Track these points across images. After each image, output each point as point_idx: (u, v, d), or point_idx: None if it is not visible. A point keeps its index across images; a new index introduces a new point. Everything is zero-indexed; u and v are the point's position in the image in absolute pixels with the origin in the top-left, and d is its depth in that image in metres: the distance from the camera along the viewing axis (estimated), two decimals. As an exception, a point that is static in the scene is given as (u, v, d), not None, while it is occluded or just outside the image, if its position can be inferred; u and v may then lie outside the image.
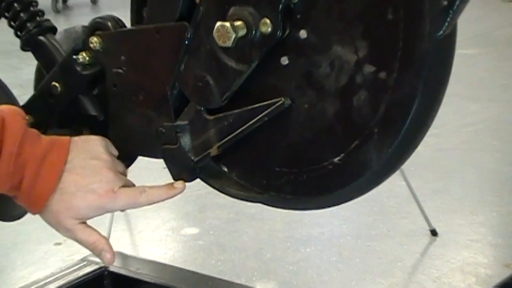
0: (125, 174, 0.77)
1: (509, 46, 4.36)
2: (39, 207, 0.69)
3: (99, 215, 0.71)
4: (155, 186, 0.73)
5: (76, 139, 0.73)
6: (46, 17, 0.87)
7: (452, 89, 0.63)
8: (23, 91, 0.91)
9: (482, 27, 4.54)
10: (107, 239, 0.73)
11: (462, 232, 2.16)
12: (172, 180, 0.77)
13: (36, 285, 1.07)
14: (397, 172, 0.67)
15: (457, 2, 0.55)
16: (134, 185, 0.75)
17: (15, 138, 0.67)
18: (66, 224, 0.71)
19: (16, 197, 0.70)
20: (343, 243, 2.13)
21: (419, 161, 2.51)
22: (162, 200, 0.74)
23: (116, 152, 0.77)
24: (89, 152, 0.72)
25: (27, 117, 0.72)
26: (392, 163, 0.64)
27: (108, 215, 1.94)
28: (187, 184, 0.77)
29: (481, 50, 4.25)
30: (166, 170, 0.77)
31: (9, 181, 0.67)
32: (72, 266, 1.11)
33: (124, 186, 0.72)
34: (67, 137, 0.72)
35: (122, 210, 0.76)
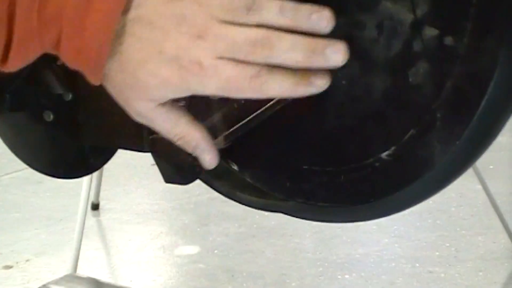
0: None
1: None
2: (94, 77, 0.62)
3: (183, 96, 0.63)
4: (279, 70, 0.60)
5: None
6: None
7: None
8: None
9: None
10: (203, 131, 0.66)
11: (560, 255, 2.15)
12: (162, 181, 0.78)
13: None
14: (471, 172, 0.67)
15: None
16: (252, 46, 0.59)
17: None
18: (136, 107, 0.64)
19: (63, 59, 0.62)
20: (395, 268, 2.13)
21: (502, 156, 2.50)
22: (283, 98, 0.63)
23: None
24: None
25: None
26: (461, 159, 0.64)
27: (76, 227, 1.96)
28: (184, 187, 0.78)
29: None
30: (155, 167, 0.78)
31: (37, 40, 0.60)
32: (28, 297, 1.12)
33: (228, 54, 0.59)
34: None
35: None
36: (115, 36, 0.59)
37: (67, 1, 0.59)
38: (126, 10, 0.59)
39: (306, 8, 0.59)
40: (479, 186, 2.08)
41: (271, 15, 0.59)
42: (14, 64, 0.61)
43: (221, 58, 0.59)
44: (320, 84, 0.60)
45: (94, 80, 0.62)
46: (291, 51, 0.59)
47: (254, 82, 0.60)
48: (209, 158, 0.67)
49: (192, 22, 0.59)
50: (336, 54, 0.59)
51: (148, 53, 0.60)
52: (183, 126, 0.65)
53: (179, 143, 0.66)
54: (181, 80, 0.60)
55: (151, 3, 0.59)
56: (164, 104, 0.64)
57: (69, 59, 0.61)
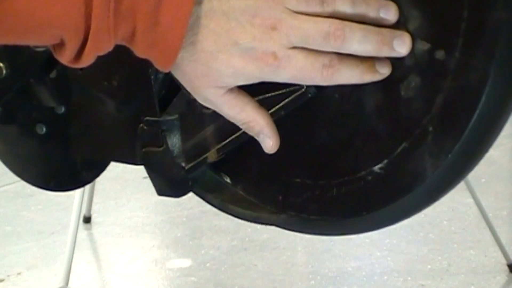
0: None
1: None
2: (165, 65, 0.63)
3: (254, 83, 0.64)
4: (348, 59, 0.62)
5: None
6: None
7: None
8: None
9: None
10: (268, 116, 0.67)
11: (552, 269, 2.16)
12: (155, 194, 0.78)
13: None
14: (463, 186, 0.67)
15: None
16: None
17: None
18: (204, 94, 0.65)
19: (133, 50, 0.63)
20: (387, 281, 2.13)
21: (493, 170, 2.50)
22: (351, 83, 0.64)
23: None
24: None
25: None
26: (452, 173, 0.64)
27: (68, 241, 1.95)
28: (176, 200, 0.78)
29: None
30: (147, 180, 0.78)
31: (112, 35, 0.61)
32: (20, 311, 1.12)
33: (301, 44, 0.61)
34: None
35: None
36: (189, 28, 0.61)
37: None
38: (199, 2, 0.61)
39: (375, 1, 0.62)
40: (471, 200, 2.08)
41: (344, 7, 0.61)
42: (87, 60, 0.62)
43: (294, 48, 0.61)
44: (384, 72, 0.63)
45: (163, 69, 0.64)
46: (363, 42, 0.61)
47: (326, 71, 0.62)
48: (272, 144, 0.67)
49: (266, 13, 0.61)
50: (402, 46, 0.62)
51: (223, 44, 0.61)
52: (248, 112, 0.66)
53: (243, 127, 0.67)
54: (256, 70, 0.62)
55: None
56: (232, 90, 0.65)
57: (141, 51, 0.63)
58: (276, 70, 0.62)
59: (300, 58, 0.62)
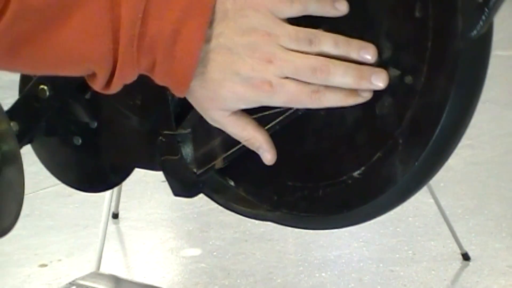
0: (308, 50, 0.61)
1: (552, 46, 4.35)
2: (180, 92, 0.63)
3: (253, 107, 0.63)
4: (333, 88, 0.61)
5: (226, 1, 0.61)
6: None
7: (487, 95, 0.64)
8: (5, 94, 0.92)
9: (522, 25, 4.53)
10: (266, 134, 0.66)
11: (499, 257, 2.15)
12: (171, 195, 0.77)
13: (18, 312, 1.07)
14: (425, 188, 0.67)
15: (493, -1, 0.56)
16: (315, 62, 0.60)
17: (135, 14, 0.58)
18: (212, 115, 0.64)
19: (153, 79, 0.63)
20: (363, 267, 2.12)
21: (450, 175, 2.50)
22: (336, 106, 0.62)
23: (296, 10, 0.62)
24: (242, 24, 0.60)
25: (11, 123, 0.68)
26: (419, 177, 0.64)
27: (99, 233, 1.95)
28: (188, 199, 0.77)
29: (520, 51, 4.24)
30: (165, 183, 0.77)
31: (135, 67, 0.61)
32: (59, 291, 1.11)
33: (292, 75, 0.60)
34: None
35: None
36: (199, 61, 0.61)
37: (160, 34, 0.59)
38: (208, 40, 0.60)
39: (356, 43, 0.61)
40: (432, 200, 2.08)
41: (328, 47, 0.61)
42: (115, 87, 0.62)
43: (286, 78, 0.61)
44: (366, 96, 0.61)
45: (179, 95, 0.64)
46: (344, 76, 0.60)
47: (314, 96, 0.61)
48: (269, 157, 0.66)
49: (263, 49, 0.60)
50: (379, 81, 0.60)
51: (227, 74, 0.61)
52: (249, 131, 0.65)
53: (245, 143, 0.66)
54: (254, 95, 0.61)
55: (228, 34, 0.60)
56: (235, 112, 0.64)
57: (160, 79, 0.63)
58: (272, 96, 0.61)
59: (291, 86, 0.61)
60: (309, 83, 0.61)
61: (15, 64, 0.61)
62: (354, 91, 0.61)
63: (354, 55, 0.61)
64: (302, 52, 0.61)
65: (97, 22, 0.58)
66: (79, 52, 0.60)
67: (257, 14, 0.60)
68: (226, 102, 0.63)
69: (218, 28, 0.60)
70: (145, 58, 0.60)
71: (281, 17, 0.61)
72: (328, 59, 0.60)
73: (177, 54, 0.60)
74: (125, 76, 0.61)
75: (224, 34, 0.60)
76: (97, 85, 0.62)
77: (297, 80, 0.61)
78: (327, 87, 0.61)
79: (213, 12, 0.60)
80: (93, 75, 0.62)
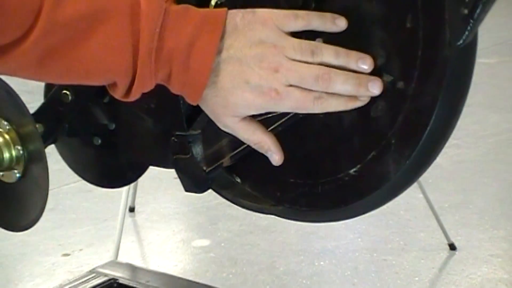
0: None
1: (531, 54, 4.34)
2: (193, 100, 0.63)
3: (262, 112, 0.64)
4: (334, 94, 0.61)
5: (236, 17, 0.61)
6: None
7: (472, 99, 0.63)
8: (32, 98, 0.92)
9: (503, 35, 4.52)
10: (273, 137, 0.66)
11: (482, 247, 2.14)
12: (183, 190, 0.77)
13: (43, 297, 1.07)
14: (415, 184, 0.66)
15: (478, 11, 0.55)
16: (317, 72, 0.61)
17: (153, 29, 0.59)
18: (224, 121, 0.64)
19: (170, 88, 0.63)
20: (358, 257, 2.11)
21: (438, 173, 2.49)
22: (337, 111, 0.63)
23: (300, 24, 0.62)
24: (250, 37, 0.61)
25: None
26: (410, 175, 0.63)
27: (117, 225, 1.95)
28: (198, 195, 0.77)
29: (502, 59, 4.23)
30: (177, 180, 0.77)
31: (153, 77, 0.61)
32: (80, 278, 1.11)
33: (297, 83, 0.61)
34: (222, 14, 0.61)
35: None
36: (212, 71, 0.61)
37: (176, 47, 0.60)
38: (219, 51, 0.61)
39: (354, 54, 0.61)
40: (421, 195, 2.07)
41: (329, 58, 0.61)
42: (134, 96, 0.63)
43: (291, 85, 0.61)
44: (364, 100, 0.62)
45: (193, 103, 0.64)
46: (344, 84, 0.61)
47: (317, 102, 0.61)
48: (277, 158, 0.66)
49: (270, 59, 0.61)
50: (375, 88, 0.61)
51: (237, 83, 0.61)
52: (258, 135, 0.65)
53: (255, 147, 0.66)
54: (262, 102, 0.61)
55: (238, 46, 0.61)
56: (245, 119, 0.64)
57: (176, 89, 0.63)
58: (279, 103, 0.61)
59: (296, 93, 0.61)
60: (312, 90, 0.61)
61: (43, 75, 0.62)
62: (353, 97, 0.61)
63: (352, 65, 0.61)
64: (305, 62, 0.61)
65: (118, 36, 0.59)
66: (102, 64, 0.60)
67: (264, 28, 0.61)
68: (237, 108, 0.62)
69: (228, 41, 0.61)
70: (162, 69, 0.61)
71: (285, 31, 0.61)
72: (329, 68, 0.61)
73: (191, 66, 0.60)
74: (144, 86, 0.61)
75: (234, 46, 0.61)
76: (118, 94, 0.63)
77: (301, 88, 0.61)
78: (328, 93, 0.61)
79: (224, 27, 0.60)
80: (114, 85, 0.62)
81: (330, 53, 0.61)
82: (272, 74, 0.60)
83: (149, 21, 0.59)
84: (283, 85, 0.61)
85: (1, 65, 0.59)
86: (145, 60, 0.59)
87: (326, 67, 0.61)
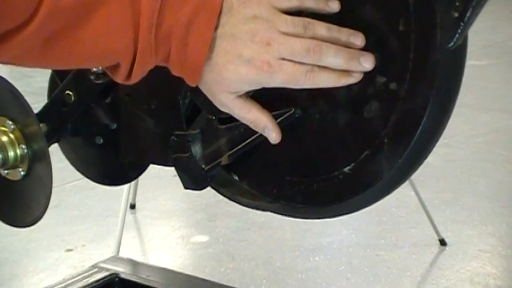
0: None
1: (519, 57, 4.35)
2: (193, 80, 0.62)
3: (256, 88, 0.62)
4: (326, 68, 0.60)
5: None
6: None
7: (462, 100, 0.63)
8: (36, 99, 0.92)
9: (492, 38, 4.53)
10: (270, 115, 0.64)
11: (472, 243, 2.14)
12: (182, 188, 0.77)
13: (47, 292, 1.07)
14: (406, 182, 0.66)
15: (468, 14, 0.55)
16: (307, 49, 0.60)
17: (153, 6, 0.58)
18: (220, 98, 0.63)
19: (170, 69, 0.63)
20: (352, 252, 2.12)
21: (429, 171, 2.49)
22: (328, 87, 0.61)
23: (295, 4, 0.62)
24: (245, 14, 0.60)
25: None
26: (402, 173, 0.63)
27: (119, 222, 1.94)
28: (196, 193, 0.77)
29: (491, 61, 4.24)
30: (177, 178, 0.77)
31: (154, 54, 0.60)
32: (83, 273, 1.11)
33: (289, 56, 0.59)
34: None
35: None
36: (208, 47, 0.60)
37: (175, 25, 0.60)
38: (215, 28, 0.60)
39: (346, 30, 0.61)
40: (413, 193, 2.07)
41: (322, 31, 0.60)
42: (136, 77, 0.62)
43: (284, 59, 0.60)
44: (357, 76, 0.61)
45: (192, 83, 0.63)
46: (336, 57, 0.59)
47: (309, 76, 0.60)
48: (274, 135, 0.64)
49: (262, 34, 0.60)
50: (367, 62, 0.60)
51: (231, 57, 0.60)
52: (254, 112, 0.64)
53: (251, 125, 0.65)
54: (255, 76, 0.60)
55: (232, 22, 0.60)
56: (241, 96, 0.63)
57: (175, 68, 0.62)
58: (271, 76, 0.60)
59: (289, 66, 0.60)
60: (304, 64, 0.60)
61: (48, 60, 0.61)
62: (346, 72, 0.60)
63: (344, 39, 0.60)
64: (298, 36, 0.60)
65: (120, 16, 0.59)
66: (105, 44, 0.59)
67: (258, 5, 0.60)
68: (231, 84, 0.61)
69: (224, 18, 0.60)
70: (162, 46, 0.60)
71: (280, 9, 0.61)
72: (321, 41, 0.60)
73: (190, 42, 0.60)
74: (145, 64, 0.61)
75: (229, 23, 0.60)
76: (120, 76, 0.62)
77: (294, 62, 0.60)
78: (321, 67, 0.60)
79: (221, 6, 0.60)
80: (117, 67, 0.61)
81: (322, 27, 0.60)
82: (264, 47, 0.59)
83: (149, 0, 0.59)
84: (275, 58, 0.59)
85: (5, 52, 0.58)
86: (145, 36, 0.59)
87: (318, 40, 0.60)
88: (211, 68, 0.61)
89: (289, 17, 0.60)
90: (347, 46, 0.60)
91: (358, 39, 0.60)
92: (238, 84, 0.61)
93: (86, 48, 0.59)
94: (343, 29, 0.61)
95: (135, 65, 0.60)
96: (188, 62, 0.61)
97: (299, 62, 0.60)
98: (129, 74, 0.61)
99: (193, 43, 0.60)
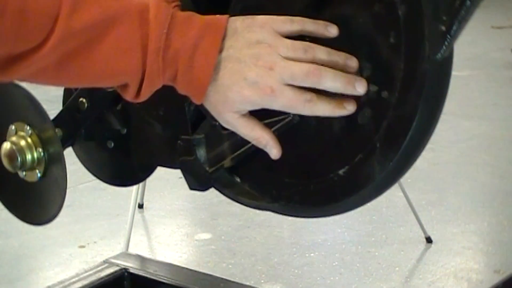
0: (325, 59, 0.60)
1: (498, 68, 4.35)
2: (198, 99, 0.61)
3: (259, 109, 0.62)
4: (324, 98, 0.60)
5: (236, 21, 0.61)
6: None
7: (446, 108, 0.63)
8: (51, 106, 0.91)
9: (474, 51, 4.54)
10: (271, 133, 0.64)
11: (456, 240, 2.14)
12: (187, 189, 0.77)
13: (61, 285, 1.06)
14: (396, 184, 0.66)
15: (454, 28, 0.55)
16: (304, 71, 0.59)
17: (160, 30, 0.58)
18: (225, 118, 0.62)
19: (176, 88, 0.62)
20: (345, 249, 2.11)
21: (416, 174, 2.49)
22: (325, 116, 0.61)
23: (296, 28, 0.61)
24: (249, 38, 0.60)
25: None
26: (392, 175, 0.63)
27: (128, 220, 1.94)
28: (201, 193, 0.77)
29: (472, 72, 4.24)
30: (182, 179, 0.76)
31: (161, 75, 0.60)
32: (95, 268, 1.10)
33: (291, 83, 0.59)
34: (224, 19, 0.60)
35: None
36: (213, 69, 0.60)
37: (182, 47, 0.59)
38: (220, 51, 0.60)
39: (344, 54, 0.60)
40: (401, 194, 2.07)
41: (321, 55, 0.60)
42: (144, 96, 0.61)
43: (286, 84, 0.59)
44: (350, 109, 0.61)
45: (197, 101, 0.62)
46: (334, 81, 0.59)
47: (307, 105, 0.60)
48: (275, 152, 0.64)
49: (266, 58, 0.59)
50: (361, 88, 0.60)
51: (236, 80, 0.60)
52: (257, 131, 0.63)
53: (254, 142, 0.64)
54: (258, 98, 0.60)
55: (237, 46, 0.60)
56: (244, 115, 0.62)
57: (181, 88, 0.62)
58: (273, 99, 0.60)
59: (290, 92, 0.59)
60: (304, 93, 0.60)
61: (61, 79, 0.61)
62: (340, 104, 0.60)
63: (341, 62, 0.60)
64: (298, 60, 0.60)
65: (129, 39, 0.58)
66: (115, 66, 0.59)
67: (262, 30, 0.60)
68: (235, 104, 0.61)
69: (228, 42, 0.60)
70: (169, 68, 0.60)
71: (282, 34, 0.60)
72: (320, 66, 0.59)
73: (195, 64, 0.59)
74: (153, 85, 0.61)
75: (234, 46, 0.60)
76: (129, 95, 0.62)
77: (295, 88, 0.60)
78: (319, 98, 0.60)
79: (225, 30, 0.60)
80: (126, 86, 0.61)
81: (322, 51, 0.60)
82: (267, 72, 0.59)
83: (157, 24, 0.58)
84: (278, 83, 0.59)
85: (21, 71, 0.58)
86: (153, 58, 0.59)
87: (317, 65, 0.59)
88: (216, 89, 0.60)
89: (290, 42, 0.60)
90: (344, 68, 0.60)
91: (354, 62, 0.60)
92: (241, 105, 0.61)
93: (97, 69, 0.59)
94: (340, 53, 0.60)
95: (144, 85, 0.60)
96: (194, 82, 0.60)
97: (300, 88, 0.59)
98: (138, 93, 0.61)
99: (198, 65, 0.59)
